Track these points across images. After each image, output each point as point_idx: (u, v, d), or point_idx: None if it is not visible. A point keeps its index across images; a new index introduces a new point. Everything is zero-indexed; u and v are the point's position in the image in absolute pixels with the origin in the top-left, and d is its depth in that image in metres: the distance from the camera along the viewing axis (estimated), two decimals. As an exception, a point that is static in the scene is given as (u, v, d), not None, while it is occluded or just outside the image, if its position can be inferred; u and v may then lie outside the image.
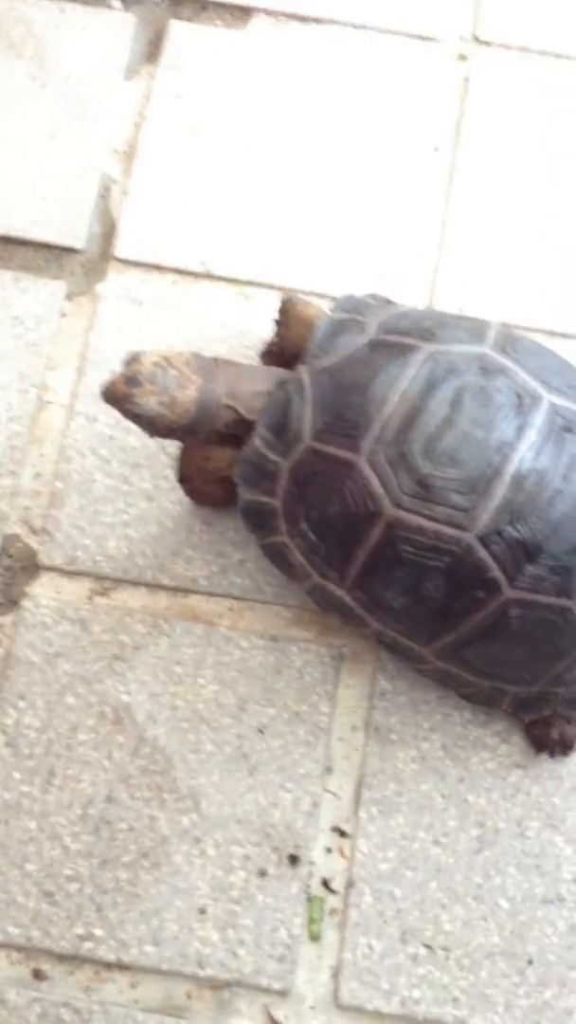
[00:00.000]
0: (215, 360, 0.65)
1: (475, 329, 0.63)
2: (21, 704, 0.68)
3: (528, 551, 0.57)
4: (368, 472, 0.59)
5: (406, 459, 0.58)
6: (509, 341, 0.63)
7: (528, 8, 0.84)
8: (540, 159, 0.80)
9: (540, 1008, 0.63)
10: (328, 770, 0.68)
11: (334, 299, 0.67)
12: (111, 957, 0.63)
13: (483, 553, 0.58)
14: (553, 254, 0.78)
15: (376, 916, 0.65)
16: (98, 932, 0.64)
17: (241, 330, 0.76)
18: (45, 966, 0.64)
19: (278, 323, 0.71)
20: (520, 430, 0.58)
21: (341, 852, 0.66)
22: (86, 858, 0.65)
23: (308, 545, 0.63)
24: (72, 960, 0.64)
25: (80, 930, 0.64)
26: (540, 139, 0.81)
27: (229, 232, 0.78)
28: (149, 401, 0.61)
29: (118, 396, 0.61)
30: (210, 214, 0.78)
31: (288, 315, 0.70)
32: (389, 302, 0.68)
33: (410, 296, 0.76)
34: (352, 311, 0.65)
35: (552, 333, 0.76)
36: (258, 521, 0.65)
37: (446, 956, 0.64)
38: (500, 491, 0.57)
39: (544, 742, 0.67)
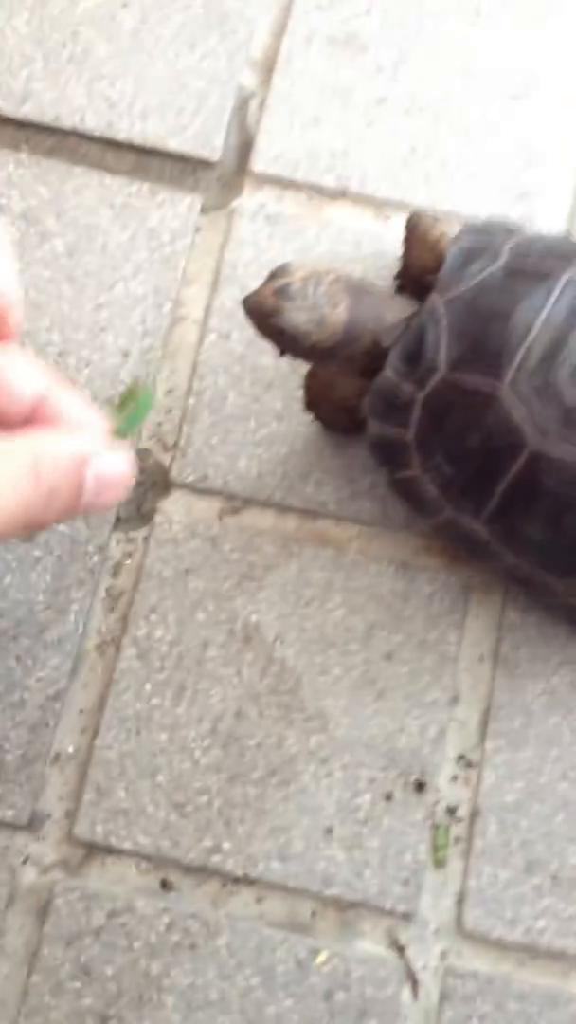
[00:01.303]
0: (361, 281, 0.63)
1: None
2: (153, 618, 0.68)
3: None
4: (510, 402, 0.57)
5: (551, 389, 0.57)
6: None
7: None
8: None
9: None
10: (455, 699, 0.67)
11: (466, 222, 0.65)
12: (238, 871, 0.64)
13: None
14: None
15: (501, 846, 0.64)
16: (226, 845, 0.64)
17: (377, 251, 0.74)
18: (173, 877, 0.64)
19: (404, 243, 0.69)
20: None
21: (467, 781, 0.66)
22: (215, 772, 0.65)
23: (443, 479, 0.61)
24: (200, 872, 0.64)
25: (208, 843, 0.64)
26: None
27: (369, 149, 0.76)
28: (299, 316, 0.59)
29: (266, 309, 0.59)
30: (347, 131, 0.76)
31: (413, 235, 0.68)
32: (518, 227, 0.66)
33: (553, 219, 0.74)
34: (483, 236, 0.64)
35: None
36: (389, 455, 0.64)
37: (571, 888, 0.64)
38: None
39: None
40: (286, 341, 0.60)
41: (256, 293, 0.59)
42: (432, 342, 0.60)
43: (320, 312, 0.59)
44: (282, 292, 0.59)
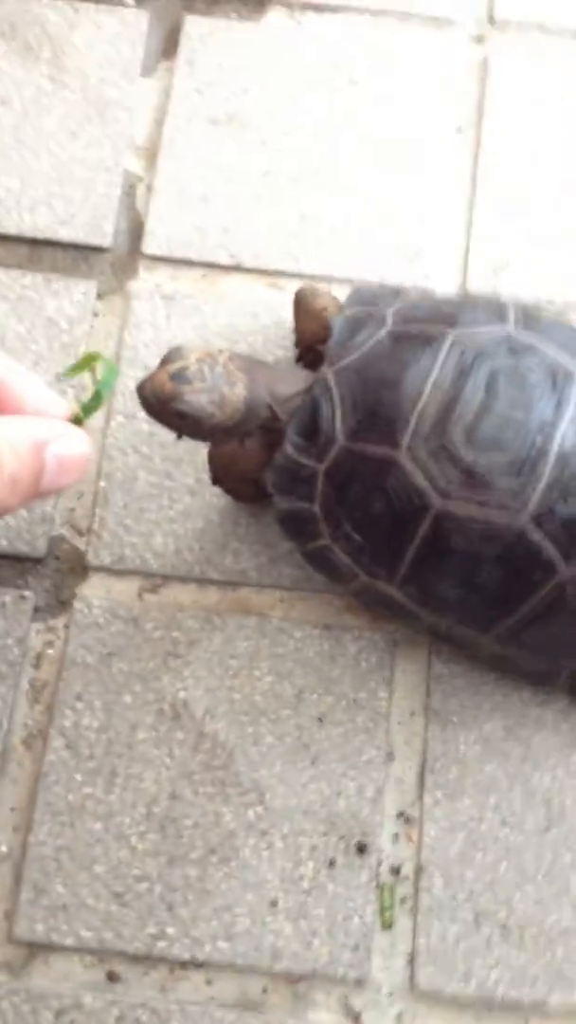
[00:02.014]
0: (251, 358, 0.64)
1: (494, 309, 0.63)
2: (79, 706, 0.67)
3: None
4: (410, 467, 0.58)
5: (448, 449, 0.57)
6: (530, 318, 0.62)
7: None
8: (561, 135, 0.80)
9: (618, 984, 0.63)
10: (390, 756, 0.67)
11: (353, 289, 0.67)
12: (185, 955, 0.63)
13: (537, 535, 0.57)
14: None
15: (448, 900, 0.64)
16: (170, 931, 0.63)
17: (274, 320, 0.75)
18: (119, 968, 0.63)
19: (294, 316, 0.71)
20: (558, 407, 0.58)
21: (408, 837, 0.66)
22: (154, 857, 0.64)
23: (353, 546, 0.62)
24: (146, 960, 0.63)
25: (152, 929, 0.63)
26: (560, 115, 0.80)
27: (256, 223, 0.78)
28: (200, 399, 0.58)
29: (164, 395, 0.58)
30: (236, 206, 0.78)
31: (300, 308, 0.70)
32: (398, 290, 0.68)
33: (442, 276, 0.76)
34: (367, 303, 0.65)
35: None
36: (298, 528, 0.64)
37: (521, 936, 0.64)
38: (547, 470, 0.57)
39: None
40: (187, 424, 0.59)
41: (152, 379, 0.58)
42: (327, 414, 0.60)
43: (220, 392, 0.59)
44: (179, 376, 0.58)
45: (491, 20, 0.83)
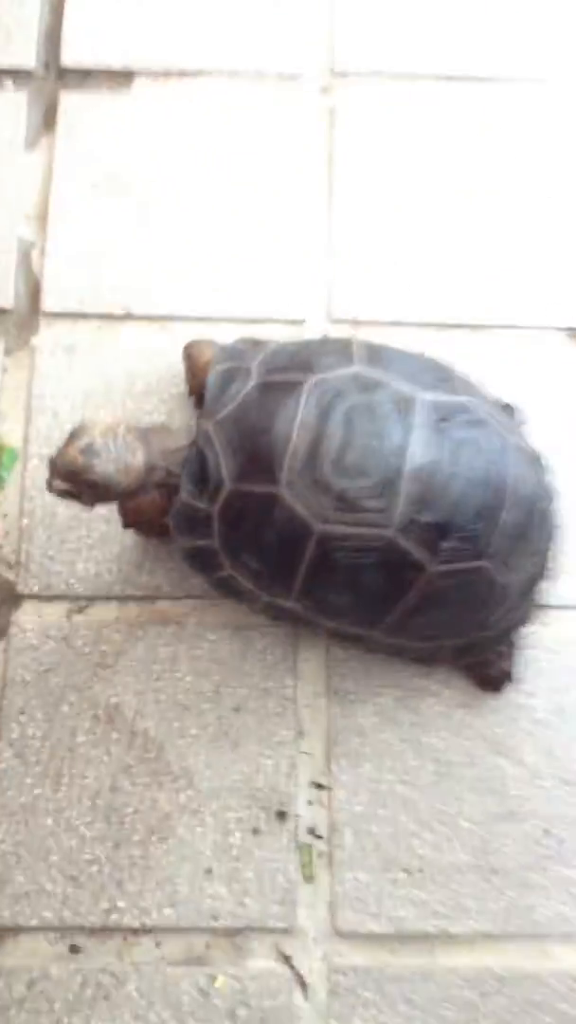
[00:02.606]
0: (141, 427, 0.72)
1: (341, 350, 0.71)
2: (22, 718, 0.76)
3: (440, 530, 0.66)
4: (290, 499, 0.67)
5: (320, 481, 0.66)
6: (373, 353, 0.71)
7: (376, 39, 0.93)
8: (406, 170, 0.90)
9: (508, 909, 0.74)
10: (300, 734, 0.77)
11: (219, 347, 0.75)
12: (136, 923, 0.73)
13: (404, 542, 0.66)
14: (428, 253, 0.88)
15: (359, 852, 0.74)
16: (121, 904, 0.73)
17: (165, 361, 0.84)
18: (79, 940, 0.73)
19: (186, 371, 0.80)
20: (408, 431, 0.67)
21: (321, 802, 0.76)
22: (101, 842, 0.74)
23: (252, 572, 0.70)
24: (102, 932, 0.73)
25: (105, 904, 0.73)
26: (403, 152, 0.90)
27: (142, 275, 0.86)
28: (108, 468, 0.66)
29: (77, 468, 0.66)
30: (123, 261, 0.87)
31: (188, 363, 0.79)
32: (258, 342, 0.76)
33: (311, 306, 0.86)
34: (234, 359, 0.73)
35: (439, 325, 0.86)
36: (202, 562, 0.72)
37: (422, 876, 0.74)
38: (405, 487, 0.66)
39: (487, 681, 0.77)
40: (98, 492, 0.68)
41: (62, 455, 0.66)
42: (213, 462, 0.69)
43: (124, 461, 0.68)
44: (88, 450, 0.66)
45: (333, 72, 0.93)
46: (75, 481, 0.67)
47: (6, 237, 0.87)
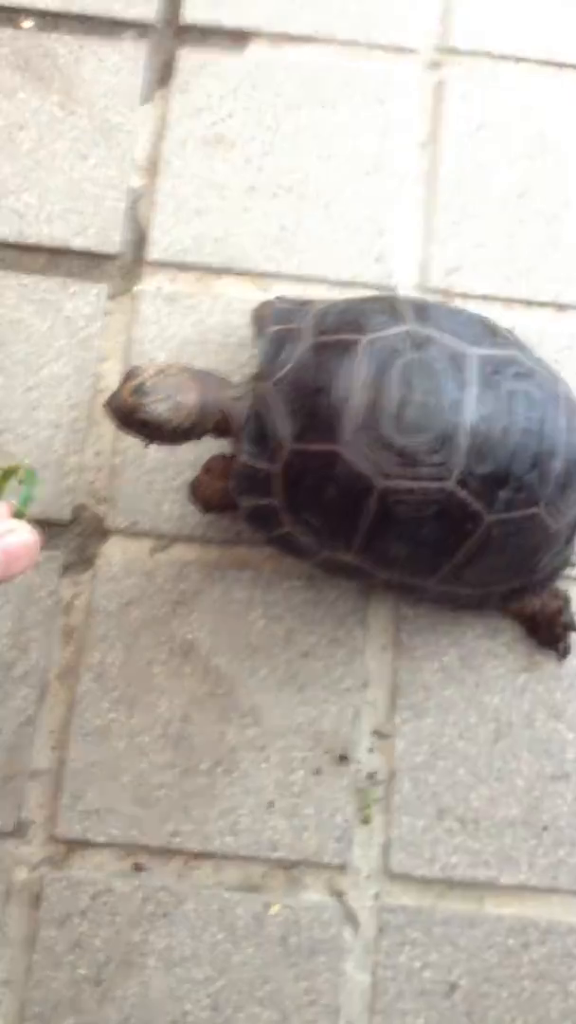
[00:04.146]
0: (198, 369, 0.74)
1: (390, 309, 0.73)
2: (103, 646, 0.80)
3: (497, 480, 0.69)
4: (352, 456, 0.69)
5: (382, 438, 0.68)
6: (420, 311, 0.73)
7: (489, 19, 0.95)
8: (508, 149, 0.92)
9: (556, 865, 0.76)
10: (365, 684, 0.80)
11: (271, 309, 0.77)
12: (197, 848, 0.76)
13: (463, 494, 0.69)
14: (523, 232, 0.90)
15: (415, 799, 0.77)
16: (185, 828, 0.76)
17: (272, 304, 0.87)
18: (143, 859, 0.76)
19: (253, 333, 0.81)
20: (462, 386, 0.69)
21: (381, 750, 0.79)
22: (170, 768, 0.77)
23: (312, 529, 0.73)
24: (165, 853, 0.76)
25: (170, 827, 0.76)
26: (507, 132, 0.92)
27: (243, 232, 0.89)
28: (158, 407, 0.68)
29: (127, 407, 0.68)
30: (226, 217, 0.90)
31: (259, 324, 0.80)
32: (305, 302, 0.78)
33: (403, 276, 0.88)
34: (283, 321, 0.75)
35: (527, 302, 0.88)
36: (263, 521, 0.74)
37: (476, 828, 0.77)
38: (463, 441, 0.68)
39: (551, 637, 0.80)
40: (151, 431, 0.70)
41: (115, 396, 0.68)
42: (271, 424, 0.71)
43: (174, 400, 0.70)
44: (138, 390, 0.68)
45: (446, 48, 0.95)
46: (129, 421, 0.69)
47: (117, 185, 0.90)
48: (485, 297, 0.89)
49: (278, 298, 0.79)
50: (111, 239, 0.89)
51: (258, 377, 0.72)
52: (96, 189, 0.90)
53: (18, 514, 0.58)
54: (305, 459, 0.70)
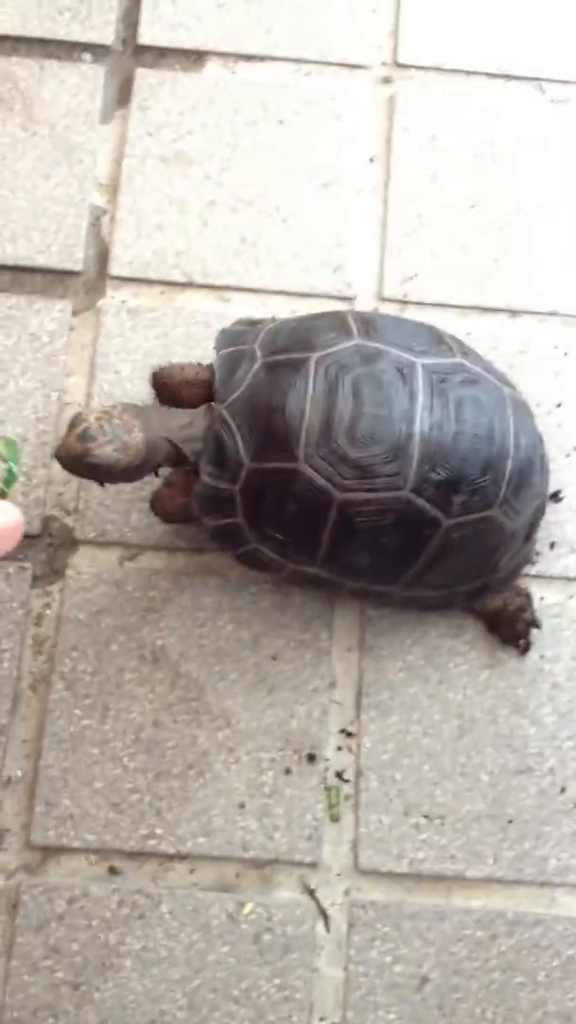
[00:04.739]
0: (142, 406, 0.75)
1: (339, 325, 0.75)
2: (74, 654, 0.81)
3: (452, 486, 0.71)
4: (310, 472, 0.71)
5: (336, 452, 0.70)
6: (368, 324, 0.75)
7: (438, 34, 0.98)
8: (459, 160, 0.95)
9: (522, 857, 0.78)
10: (332, 684, 0.82)
11: (219, 332, 0.78)
12: (171, 850, 0.77)
13: (419, 501, 0.71)
14: (476, 241, 0.92)
15: (382, 796, 0.79)
16: (159, 831, 0.78)
17: (222, 324, 0.89)
18: (118, 863, 0.78)
19: (157, 391, 0.81)
20: (412, 396, 0.71)
21: (349, 749, 0.80)
22: (143, 773, 0.79)
23: (278, 544, 0.74)
24: (140, 856, 0.78)
25: (144, 831, 0.78)
26: (458, 144, 0.95)
27: (204, 245, 0.91)
28: (106, 449, 0.70)
29: (76, 454, 0.69)
30: (187, 232, 0.92)
31: (172, 383, 0.80)
32: (254, 321, 0.80)
33: (361, 285, 0.91)
34: (234, 343, 0.77)
35: (482, 308, 0.91)
36: (228, 539, 0.76)
37: (442, 823, 0.79)
38: (416, 449, 0.70)
39: (513, 635, 0.82)
40: (102, 472, 0.71)
41: (63, 445, 0.70)
42: (230, 444, 0.73)
43: (121, 441, 0.70)
44: (84, 436, 0.69)
45: (397, 63, 0.98)
46: (79, 466, 0.70)
47: (79, 204, 0.92)
48: (440, 304, 0.91)
49: (235, 321, 0.81)
50: (74, 256, 0.91)
51: (215, 399, 0.74)
52: (59, 207, 0.92)
53: (0, 494, 0.57)
54: (264, 477, 0.72)
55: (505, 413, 0.74)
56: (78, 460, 0.70)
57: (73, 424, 0.71)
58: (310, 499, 0.71)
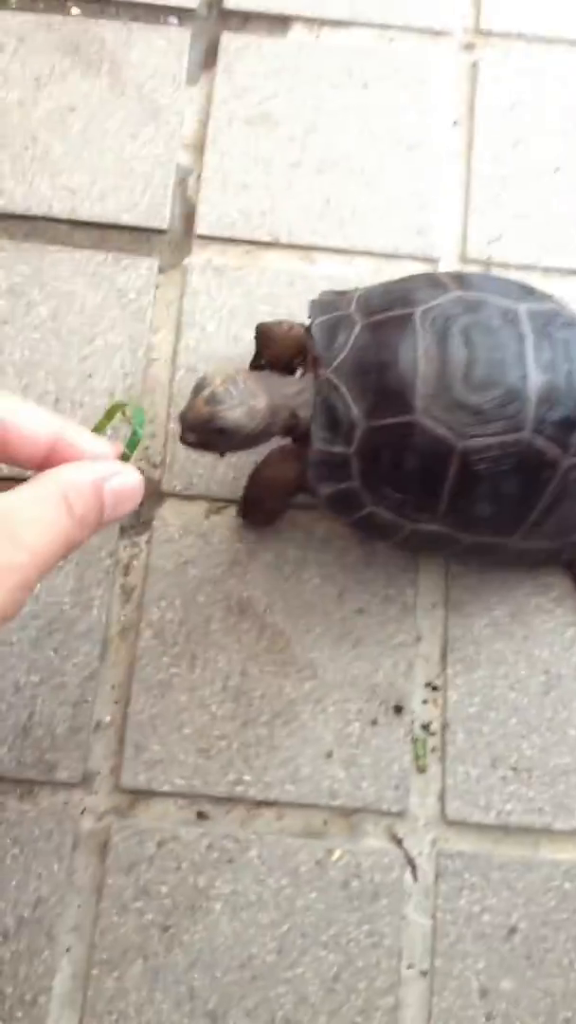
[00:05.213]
0: (258, 373, 0.75)
1: (431, 283, 0.75)
2: (162, 604, 0.82)
3: (569, 424, 0.71)
4: (429, 423, 0.71)
5: (454, 400, 0.70)
6: (459, 279, 0.75)
7: (520, 2, 0.98)
8: (543, 125, 0.95)
9: (608, 812, 0.78)
10: (418, 639, 0.82)
11: (310, 302, 0.78)
12: (259, 796, 0.78)
13: (540, 442, 0.71)
14: (559, 204, 0.93)
15: (469, 748, 0.79)
16: (247, 778, 0.78)
17: (307, 288, 0.90)
18: (207, 808, 0.78)
19: (262, 345, 0.82)
20: (521, 339, 0.72)
21: (435, 702, 0.81)
22: (230, 721, 0.79)
23: (395, 503, 0.74)
24: (228, 802, 0.78)
25: (232, 777, 0.78)
26: (541, 109, 0.95)
27: (288, 206, 0.92)
28: (234, 413, 0.69)
29: (204, 417, 0.69)
30: (272, 192, 0.92)
31: (266, 338, 0.82)
32: (341, 292, 0.79)
33: (445, 247, 0.91)
34: (328, 310, 0.76)
35: (564, 271, 0.91)
36: (344, 505, 0.75)
37: (529, 776, 0.79)
38: (532, 391, 0.71)
39: None
40: (227, 438, 0.70)
41: (191, 409, 0.69)
42: (342, 407, 0.73)
43: (248, 405, 0.70)
44: (212, 399, 0.69)
45: (479, 30, 0.98)
46: (205, 431, 0.70)
47: (166, 164, 0.93)
48: (524, 267, 0.91)
49: (322, 292, 0.81)
50: (160, 214, 0.92)
51: (318, 366, 0.74)
52: (145, 167, 0.93)
53: (124, 457, 0.58)
54: (382, 434, 0.72)
55: None
56: (206, 423, 0.69)
57: (199, 387, 0.70)
58: (430, 450, 0.71)
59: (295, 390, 0.75)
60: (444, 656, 0.81)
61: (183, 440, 0.71)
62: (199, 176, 0.93)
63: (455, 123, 0.95)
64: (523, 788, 0.78)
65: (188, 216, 0.92)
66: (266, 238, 0.91)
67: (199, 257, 0.91)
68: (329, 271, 0.90)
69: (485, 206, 0.93)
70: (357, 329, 0.74)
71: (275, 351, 0.81)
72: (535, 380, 0.71)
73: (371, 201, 0.92)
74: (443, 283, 0.75)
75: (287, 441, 0.78)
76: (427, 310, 0.73)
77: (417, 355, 0.71)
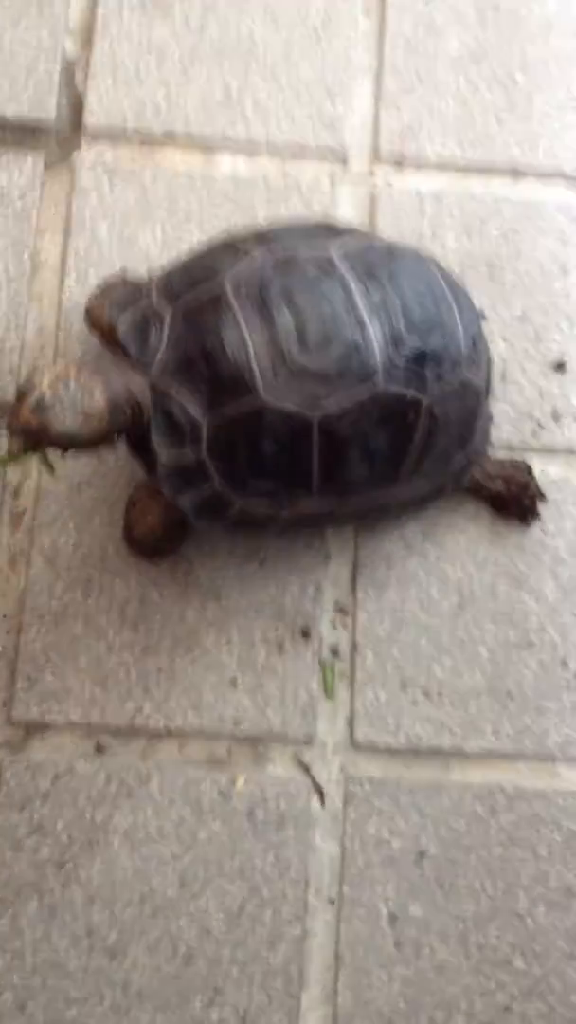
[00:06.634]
0: (100, 361, 0.68)
1: (232, 249, 0.69)
2: (54, 528, 0.77)
3: (419, 361, 0.67)
4: (277, 402, 0.65)
5: (295, 369, 0.65)
6: (259, 237, 0.70)
7: None
8: (461, 10, 0.89)
9: (522, 732, 0.76)
10: (326, 558, 0.78)
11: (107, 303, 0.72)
12: (160, 726, 0.74)
13: (395, 387, 0.67)
14: (479, 97, 0.87)
15: (378, 671, 0.76)
16: (147, 707, 0.75)
17: (207, 187, 0.84)
18: (105, 740, 0.74)
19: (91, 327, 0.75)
20: (345, 286, 0.67)
21: (344, 625, 0.77)
22: (129, 649, 0.75)
23: (266, 494, 0.68)
24: (127, 732, 0.75)
25: (131, 707, 0.74)
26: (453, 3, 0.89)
27: (188, 97, 0.85)
28: (65, 420, 0.61)
29: (32, 429, 0.60)
30: (167, 82, 0.86)
31: (93, 323, 0.75)
32: (139, 280, 0.74)
33: (355, 141, 0.85)
34: (128, 304, 0.69)
35: (481, 169, 0.86)
36: (211, 509, 0.69)
37: (440, 698, 0.76)
38: (372, 336, 0.66)
39: (523, 510, 0.78)
40: (64, 443, 0.62)
41: (17, 417, 0.60)
42: (178, 410, 0.66)
43: (81, 409, 0.61)
44: (39, 407, 0.60)
45: None
46: (37, 442, 0.62)
47: (50, 50, 0.86)
48: (440, 166, 0.86)
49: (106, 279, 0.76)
50: (46, 107, 0.85)
51: (137, 372, 0.66)
52: (29, 55, 0.86)
53: None
54: (230, 426, 0.66)
55: (431, 271, 0.71)
56: (36, 435, 0.61)
57: (24, 391, 0.61)
58: (286, 430, 0.66)
59: (139, 378, 0.66)
60: (354, 577, 0.78)
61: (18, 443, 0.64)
62: (87, 65, 0.86)
63: (367, 10, 0.89)
64: (433, 710, 0.76)
65: (76, 108, 0.85)
66: (162, 132, 0.85)
67: (89, 153, 0.84)
68: (231, 170, 0.84)
69: (399, 99, 0.87)
70: (168, 320, 0.67)
71: (107, 336, 0.73)
72: (371, 325, 0.66)
73: (276, 92, 0.86)
74: (243, 247, 0.69)
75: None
76: (236, 281, 0.67)
77: (242, 332, 0.65)
